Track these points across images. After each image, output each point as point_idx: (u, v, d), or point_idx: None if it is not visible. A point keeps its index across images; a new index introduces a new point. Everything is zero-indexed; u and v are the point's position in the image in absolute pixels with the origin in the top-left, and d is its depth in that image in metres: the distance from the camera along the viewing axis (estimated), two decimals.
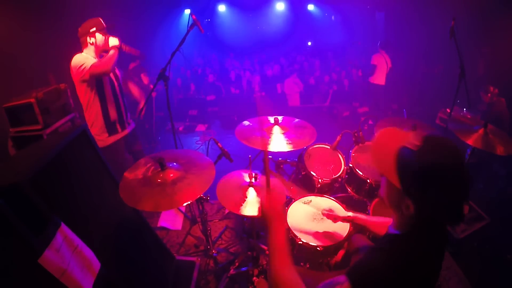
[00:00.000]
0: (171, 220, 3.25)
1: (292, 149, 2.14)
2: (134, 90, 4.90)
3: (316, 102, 7.11)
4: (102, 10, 5.16)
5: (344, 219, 1.81)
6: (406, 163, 0.89)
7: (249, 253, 2.38)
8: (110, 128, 2.75)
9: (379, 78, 5.72)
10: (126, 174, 1.74)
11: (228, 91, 7.39)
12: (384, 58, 5.60)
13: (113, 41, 2.59)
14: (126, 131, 2.91)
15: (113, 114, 2.73)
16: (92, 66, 2.44)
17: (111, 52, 2.55)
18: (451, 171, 0.84)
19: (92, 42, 2.52)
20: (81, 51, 2.55)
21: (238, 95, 7.32)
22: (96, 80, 2.54)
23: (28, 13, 4.44)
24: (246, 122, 2.46)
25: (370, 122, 5.80)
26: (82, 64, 2.43)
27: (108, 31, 2.61)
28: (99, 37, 2.52)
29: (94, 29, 2.49)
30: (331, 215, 1.83)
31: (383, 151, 0.97)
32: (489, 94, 4.09)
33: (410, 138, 0.93)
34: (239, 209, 1.83)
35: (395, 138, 0.98)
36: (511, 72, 4.78)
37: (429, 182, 0.85)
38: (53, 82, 4.54)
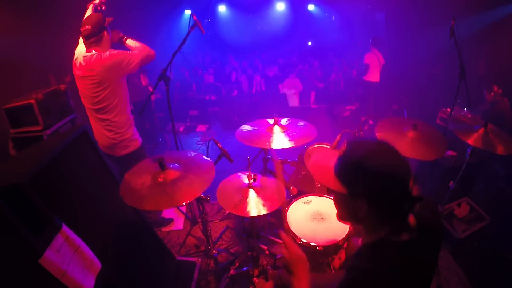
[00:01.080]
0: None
1: (294, 146, 2.14)
2: (145, 81, 5.39)
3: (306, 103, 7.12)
4: (101, 10, 5.17)
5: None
6: (340, 168, 1.00)
7: (249, 253, 2.38)
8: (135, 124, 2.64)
9: (373, 76, 5.89)
10: (126, 175, 1.75)
11: (228, 91, 7.38)
12: (376, 56, 5.77)
13: (117, 32, 2.50)
14: None
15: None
16: (140, 54, 2.35)
17: (129, 40, 2.47)
18: (380, 156, 0.93)
19: (107, 36, 2.35)
20: (97, 48, 2.27)
21: (239, 96, 7.32)
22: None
23: (28, 13, 4.46)
24: (246, 127, 2.45)
25: (371, 122, 5.82)
26: (130, 56, 2.29)
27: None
28: (109, 31, 2.40)
29: (106, 23, 2.34)
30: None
31: (323, 172, 1.05)
32: (492, 93, 4.10)
33: (336, 152, 1.06)
34: (239, 211, 1.83)
35: (324, 156, 1.12)
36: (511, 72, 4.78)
37: (363, 173, 0.92)
38: (53, 82, 4.56)
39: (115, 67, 2.24)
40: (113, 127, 2.41)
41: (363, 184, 0.93)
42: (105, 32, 2.30)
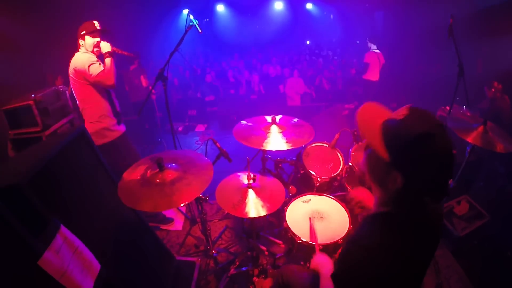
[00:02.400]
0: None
1: (291, 148, 2.13)
2: (145, 82, 5.46)
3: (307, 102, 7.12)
4: (100, 10, 5.16)
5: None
6: (394, 132, 0.87)
7: (248, 253, 2.38)
8: (118, 117, 2.83)
9: (372, 75, 5.93)
10: (125, 175, 1.74)
11: (226, 91, 7.38)
12: (377, 55, 5.80)
13: (105, 46, 2.58)
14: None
15: (117, 105, 2.83)
16: (99, 75, 2.51)
17: (107, 61, 2.57)
18: (439, 141, 0.83)
19: (82, 44, 2.57)
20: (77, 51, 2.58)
21: (237, 95, 7.32)
22: None
23: (27, 14, 4.45)
24: (243, 122, 2.46)
25: None
26: (91, 70, 2.48)
27: (102, 35, 2.62)
28: (89, 40, 2.56)
29: (83, 32, 2.53)
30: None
31: (369, 123, 0.94)
32: (492, 89, 4.11)
33: (392, 112, 0.94)
34: (238, 212, 1.82)
35: (378, 110, 0.98)
36: (510, 71, 4.77)
37: (418, 151, 0.83)
38: (51, 83, 4.55)
39: (78, 70, 2.51)
40: (88, 116, 2.66)
41: (414, 162, 0.84)
42: (79, 40, 2.58)
